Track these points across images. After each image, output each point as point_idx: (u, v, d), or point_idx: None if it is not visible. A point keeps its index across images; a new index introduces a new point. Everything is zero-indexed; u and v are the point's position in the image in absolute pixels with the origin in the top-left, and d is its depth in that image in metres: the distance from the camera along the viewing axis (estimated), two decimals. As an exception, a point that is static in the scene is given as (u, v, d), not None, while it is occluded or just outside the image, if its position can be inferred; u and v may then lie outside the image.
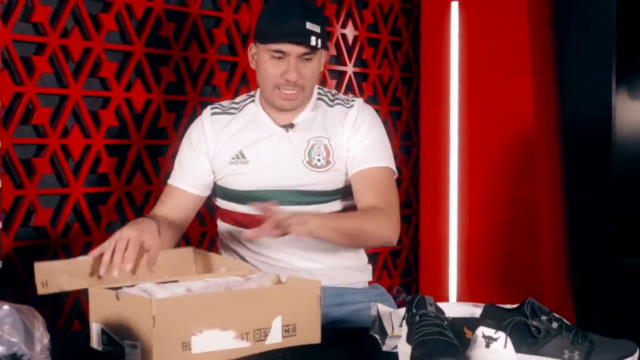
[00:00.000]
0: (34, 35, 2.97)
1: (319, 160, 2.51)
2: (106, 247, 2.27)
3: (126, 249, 2.26)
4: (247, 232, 2.24)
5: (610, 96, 4.21)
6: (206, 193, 2.63)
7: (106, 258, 2.24)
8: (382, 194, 2.49)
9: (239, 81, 3.60)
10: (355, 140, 2.53)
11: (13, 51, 2.89)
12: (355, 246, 2.55)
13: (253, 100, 2.62)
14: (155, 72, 3.31)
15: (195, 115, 3.25)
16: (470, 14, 4.28)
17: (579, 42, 4.28)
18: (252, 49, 2.55)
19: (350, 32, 4.14)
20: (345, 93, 4.07)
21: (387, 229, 2.45)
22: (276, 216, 2.20)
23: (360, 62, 4.22)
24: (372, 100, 4.20)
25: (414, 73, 4.51)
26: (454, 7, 4.30)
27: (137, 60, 3.24)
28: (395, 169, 2.57)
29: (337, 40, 4.08)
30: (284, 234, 2.22)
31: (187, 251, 2.51)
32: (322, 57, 2.53)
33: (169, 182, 2.64)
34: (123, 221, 3.22)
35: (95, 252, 2.27)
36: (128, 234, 2.28)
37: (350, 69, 4.13)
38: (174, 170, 2.65)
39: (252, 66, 2.56)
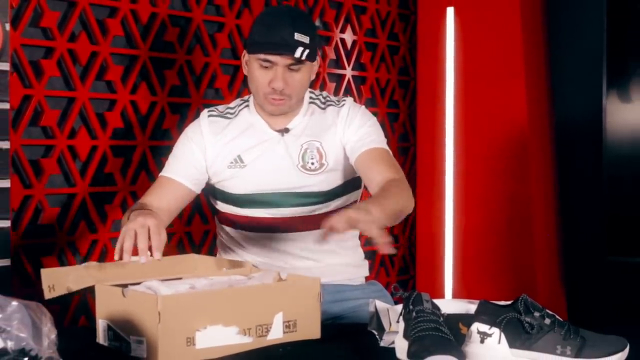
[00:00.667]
0: (42, 39, 3.00)
1: (312, 163, 2.53)
2: (126, 235, 2.17)
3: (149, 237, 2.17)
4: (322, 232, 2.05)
5: (602, 99, 4.22)
6: (197, 190, 2.59)
7: (128, 244, 2.15)
8: (393, 167, 2.47)
9: (241, 84, 3.62)
10: (351, 132, 2.54)
11: (22, 55, 2.92)
12: (393, 223, 2.34)
13: (247, 106, 2.63)
14: (160, 75, 3.34)
15: (198, 117, 3.30)
16: (465, 19, 4.30)
17: (571, 46, 4.29)
18: (245, 56, 2.56)
19: (349, 36, 4.17)
20: (345, 96, 4.08)
21: (411, 200, 2.40)
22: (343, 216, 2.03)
23: (359, 66, 4.24)
24: (370, 103, 4.24)
25: (410, 76, 4.53)
26: (450, 13, 4.32)
27: (143, 64, 3.27)
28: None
29: (336, 44, 4.10)
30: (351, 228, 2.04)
31: (190, 257, 2.49)
32: (312, 66, 2.54)
33: (162, 174, 2.59)
34: (128, 220, 3.27)
35: (117, 250, 2.18)
36: (147, 222, 2.17)
37: (349, 72, 4.16)
38: (167, 164, 2.61)
39: (245, 72, 2.58)
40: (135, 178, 3.29)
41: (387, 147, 2.56)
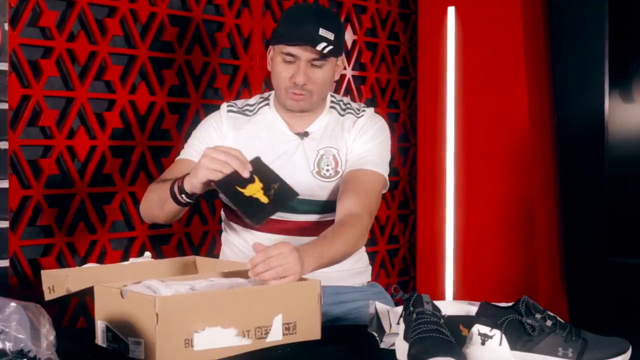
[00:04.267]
0: (41, 39, 3.01)
1: (327, 170, 2.53)
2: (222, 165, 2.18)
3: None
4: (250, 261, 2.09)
5: (603, 99, 4.23)
6: None
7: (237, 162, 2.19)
8: (365, 199, 2.45)
9: (241, 84, 3.63)
10: (359, 143, 2.54)
11: (21, 55, 2.92)
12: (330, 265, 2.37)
13: (268, 104, 2.61)
14: (159, 75, 3.34)
15: (197, 117, 3.30)
16: (466, 18, 4.30)
17: (573, 46, 4.29)
18: (270, 51, 2.55)
19: (349, 36, 4.16)
20: (344, 96, 4.08)
21: (361, 242, 2.44)
22: (269, 257, 2.06)
23: (359, 66, 4.24)
24: (370, 103, 4.23)
25: (411, 76, 4.53)
26: (451, 12, 4.31)
27: (142, 64, 3.28)
28: (387, 180, 2.56)
29: (336, 43, 4.11)
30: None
31: (191, 259, 2.48)
32: (335, 65, 2.53)
33: (180, 156, 2.57)
34: (127, 220, 3.27)
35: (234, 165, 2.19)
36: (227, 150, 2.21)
37: (349, 72, 4.15)
38: (186, 147, 2.58)
39: (269, 68, 2.56)
40: (134, 178, 3.28)
41: (382, 171, 2.54)
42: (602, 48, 4.21)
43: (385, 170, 2.56)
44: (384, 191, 2.58)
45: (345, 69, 4.13)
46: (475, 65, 4.29)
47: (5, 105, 2.68)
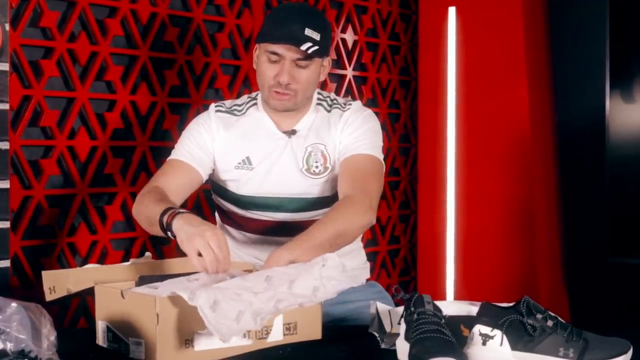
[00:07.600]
0: (42, 39, 3.00)
1: (317, 167, 2.53)
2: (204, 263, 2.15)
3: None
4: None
5: (604, 99, 4.22)
6: (205, 175, 2.57)
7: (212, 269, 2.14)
8: (360, 182, 2.44)
9: (241, 84, 3.62)
10: (347, 133, 2.54)
11: (22, 55, 2.92)
12: (341, 247, 2.34)
13: (255, 104, 2.62)
14: (159, 75, 3.33)
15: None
16: (467, 19, 4.30)
17: (574, 46, 4.29)
18: (257, 50, 2.55)
19: (350, 36, 4.17)
20: (345, 96, 4.09)
21: (359, 218, 2.36)
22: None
23: (360, 66, 4.23)
24: (371, 103, 4.23)
25: (412, 76, 4.53)
26: (451, 13, 4.32)
27: (142, 64, 3.27)
28: (382, 159, 2.55)
29: (337, 44, 4.09)
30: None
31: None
32: (321, 65, 2.53)
33: (172, 157, 2.58)
34: (128, 221, 3.26)
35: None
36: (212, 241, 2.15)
37: (349, 72, 4.15)
38: (177, 147, 2.60)
39: (254, 66, 2.57)
40: (135, 179, 3.28)
41: (375, 153, 2.54)
42: (603, 48, 4.21)
43: (378, 154, 2.55)
44: (382, 168, 2.56)
45: (345, 70, 4.14)
46: (476, 65, 4.30)
47: (6, 106, 2.68)
